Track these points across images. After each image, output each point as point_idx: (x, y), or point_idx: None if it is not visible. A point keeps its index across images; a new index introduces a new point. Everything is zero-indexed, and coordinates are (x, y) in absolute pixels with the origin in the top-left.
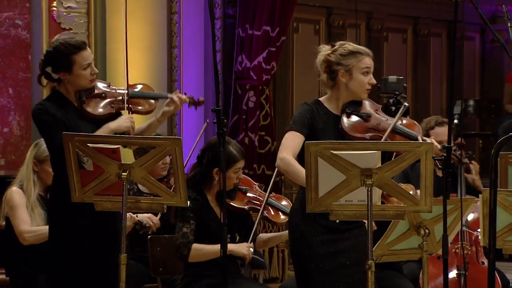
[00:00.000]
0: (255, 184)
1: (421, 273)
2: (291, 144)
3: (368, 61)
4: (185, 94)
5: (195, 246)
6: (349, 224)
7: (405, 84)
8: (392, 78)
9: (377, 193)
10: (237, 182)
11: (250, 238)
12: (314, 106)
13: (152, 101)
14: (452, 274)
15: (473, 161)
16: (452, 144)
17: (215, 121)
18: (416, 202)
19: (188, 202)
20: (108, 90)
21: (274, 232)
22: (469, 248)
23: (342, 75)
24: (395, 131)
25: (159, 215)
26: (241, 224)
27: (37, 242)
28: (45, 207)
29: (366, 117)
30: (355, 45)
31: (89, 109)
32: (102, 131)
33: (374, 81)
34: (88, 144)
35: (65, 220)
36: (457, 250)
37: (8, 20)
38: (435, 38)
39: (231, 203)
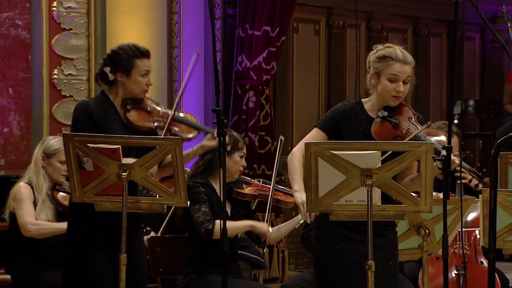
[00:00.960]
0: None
1: (420, 273)
2: (307, 139)
3: (397, 68)
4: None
5: (218, 221)
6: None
7: None
8: None
9: (377, 193)
10: (242, 170)
11: (266, 218)
12: (350, 106)
13: (193, 130)
14: (451, 274)
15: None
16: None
17: (215, 121)
18: (416, 202)
19: (200, 187)
20: (155, 107)
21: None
22: (467, 248)
23: (373, 77)
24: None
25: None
26: (248, 214)
27: (39, 236)
28: (53, 203)
29: (395, 124)
30: (395, 49)
31: (131, 117)
32: None
33: (401, 89)
34: (88, 144)
35: (85, 223)
36: (455, 250)
37: (8, 20)
38: (435, 38)
39: (241, 191)
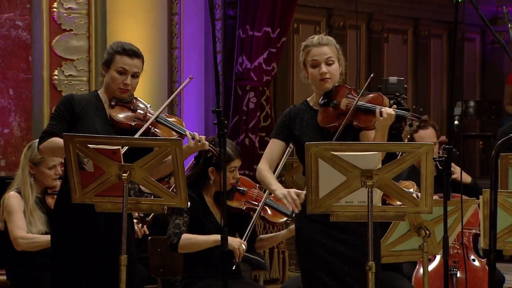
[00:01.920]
0: (256, 185)
1: (414, 274)
2: (268, 152)
3: (314, 52)
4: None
5: (185, 235)
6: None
7: (405, 85)
8: (393, 79)
9: (377, 194)
10: (234, 182)
11: (244, 236)
12: (296, 107)
13: (174, 133)
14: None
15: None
16: (451, 146)
17: (215, 122)
18: (416, 203)
19: None
20: (141, 107)
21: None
22: (458, 247)
23: (303, 70)
24: (358, 109)
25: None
26: (241, 225)
27: (30, 250)
28: (44, 210)
29: (334, 105)
30: (313, 37)
31: (112, 113)
32: None
33: (324, 70)
34: (88, 145)
35: (67, 221)
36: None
37: (8, 21)
38: (436, 39)
39: (228, 203)
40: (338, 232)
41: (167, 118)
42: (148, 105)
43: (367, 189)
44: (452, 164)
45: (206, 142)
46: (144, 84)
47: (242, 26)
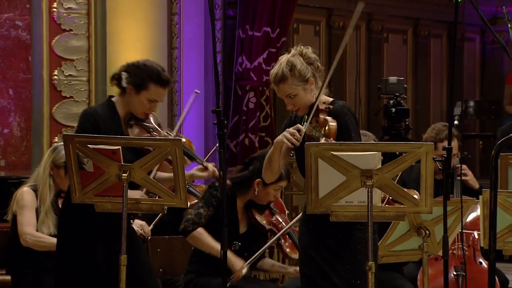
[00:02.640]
0: (286, 211)
1: (419, 274)
2: None
3: (276, 90)
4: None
5: (200, 230)
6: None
7: (405, 85)
8: (393, 79)
9: (377, 194)
10: (272, 200)
11: (251, 260)
12: (291, 116)
13: (187, 158)
14: (450, 275)
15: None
16: (451, 146)
17: (215, 122)
18: (416, 203)
19: (218, 193)
20: (156, 128)
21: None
22: (466, 249)
23: None
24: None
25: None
26: (257, 241)
27: (36, 248)
28: (57, 212)
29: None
30: (274, 69)
31: (132, 134)
32: None
33: (289, 107)
34: (88, 145)
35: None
36: (454, 251)
37: (8, 21)
38: (435, 39)
39: (256, 216)
40: (322, 235)
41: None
42: (159, 122)
43: (367, 189)
44: (465, 166)
45: (216, 172)
46: None
47: (242, 26)
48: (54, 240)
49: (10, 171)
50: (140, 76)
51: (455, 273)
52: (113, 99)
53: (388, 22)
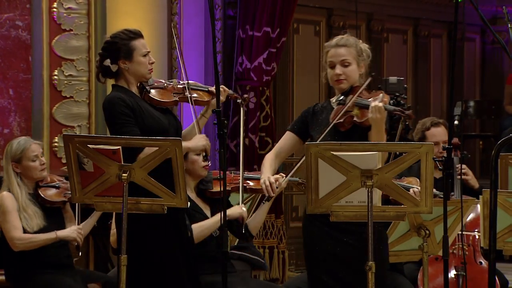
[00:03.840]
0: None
1: (419, 274)
2: (279, 143)
3: (331, 54)
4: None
5: (193, 226)
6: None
7: (405, 85)
8: (393, 79)
9: (377, 194)
10: (207, 167)
11: (240, 201)
12: (321, 105)
13: (207, 92)
14: (450, 275)
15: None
16: (451, 146)
17: (215, 122)
18: (416, 203)
19: None
20: (166, 82)
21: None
22: (466, 249)
23: (324, 70)
24: (357, 105)
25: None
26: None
27: (29, 249)
28: (38, 204)
29: (342, 102)
30: (334, 38)
31: (154, 96)
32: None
33: (337, 72)
34: (88, 145)
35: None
36: (454, 251)
37: (8, 21)
38: (436, 39)
39: (212, 191)
40: (338, 233)
41: (191, 82)
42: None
43: (367, 189)
44: (465, 166)
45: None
46: None
47: (242, 26)
48: (43, 236)
49: None
50: (122, 45)
51: (455, 273)
52: (116, 84)
53: (388, 22)
